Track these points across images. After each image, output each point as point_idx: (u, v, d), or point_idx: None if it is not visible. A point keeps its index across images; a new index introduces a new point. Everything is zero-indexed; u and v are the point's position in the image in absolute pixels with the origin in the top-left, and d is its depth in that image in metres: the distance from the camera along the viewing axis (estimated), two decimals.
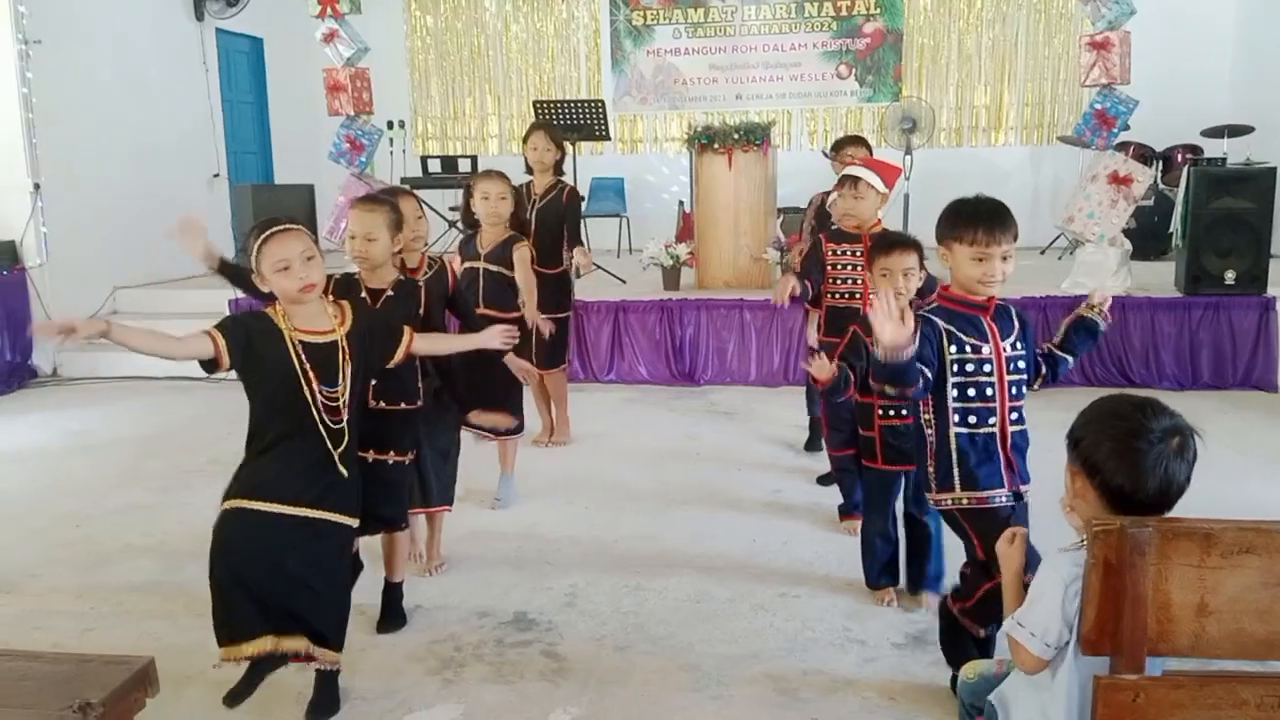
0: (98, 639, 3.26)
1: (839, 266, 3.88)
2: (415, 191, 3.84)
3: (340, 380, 2.58)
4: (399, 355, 2.79)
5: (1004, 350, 2.51)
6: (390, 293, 3.18)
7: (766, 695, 2.86)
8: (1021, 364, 2.54)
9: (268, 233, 2.54)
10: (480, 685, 2.95)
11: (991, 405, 2.51)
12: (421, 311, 3.27)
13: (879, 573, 3.47)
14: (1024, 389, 2.56)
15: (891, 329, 2.24)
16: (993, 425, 2.52)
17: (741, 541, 4.03)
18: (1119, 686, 1.55)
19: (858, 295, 3.82)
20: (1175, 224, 8.18)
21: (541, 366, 4.98)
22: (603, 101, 8.89)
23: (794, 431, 5.49)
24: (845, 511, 4.12)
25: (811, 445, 5.17)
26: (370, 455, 3.08)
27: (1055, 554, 1.80)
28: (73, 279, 7.75)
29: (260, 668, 2.67)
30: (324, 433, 2.58)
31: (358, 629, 3.27)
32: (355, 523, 2.73)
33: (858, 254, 3.82)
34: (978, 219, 2.44)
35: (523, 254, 4.34)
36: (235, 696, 2.74)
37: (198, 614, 3.41)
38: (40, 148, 7.48)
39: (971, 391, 2.51)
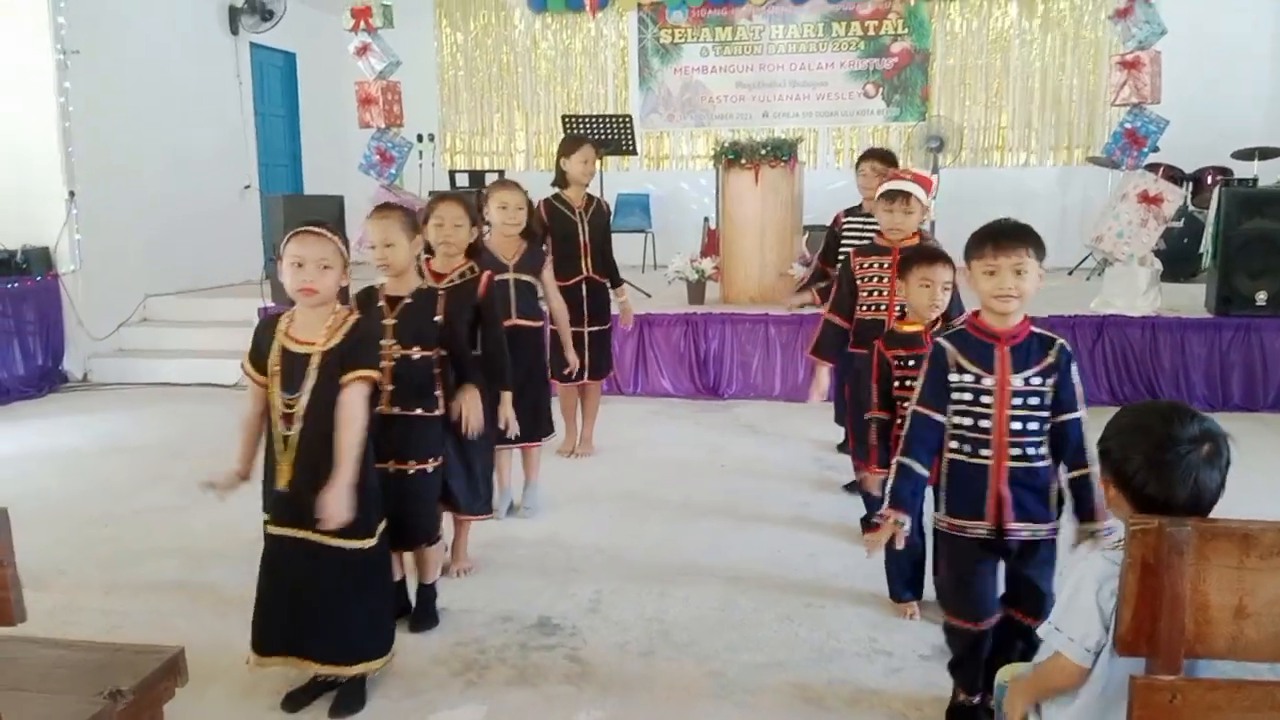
0: (124, 636, 3.27)
1: (867, 279, 3.87)
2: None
3: (299, 390, 2.60)
4: (344, 380, 2.62)
5: (1010, 383, 2.42)
6: (409, 300, 3.20)
7: (792, 704, 2.85)
8: (1036, 400, 2.42)
9: (297, 230, 2.65)
10: (504, 688, 2.95)
11: (986, 437, 2.44)
12: (440, 318, 3.24)
13: (902, 587, 3.43)
14: (1042, 426, 2.44)
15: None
16: (985, 457, 2.45)
17: (766, 552, 4.02)
18: (1156, 687, 1.53)
19: (883, 307, 3.81)
20: (1205, 245, 8.12)
21: (592, 377, 5.21)
22: (630, 116, 8.93)
23: (819, 446, 5.47)
24: (868, 524, 4.08)
25: (844, 448, 5.13)
26: (391, 466, 3.10)
27: (1092, 553, 1.78)
28: (105, 286, 7.86)
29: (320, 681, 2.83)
30: (275, 434, 2.65)
31: None
32: (357, 544, 2.71)
33: (885, 265, 3.81)
34: (987, 234, 2.44)
35: (551, 275, 4.48)
36: (292, 700, 2.83)
37: (222, 614, 3.45)
38: (76, 156, 7.59)
39: (967, 421, 2.47)
